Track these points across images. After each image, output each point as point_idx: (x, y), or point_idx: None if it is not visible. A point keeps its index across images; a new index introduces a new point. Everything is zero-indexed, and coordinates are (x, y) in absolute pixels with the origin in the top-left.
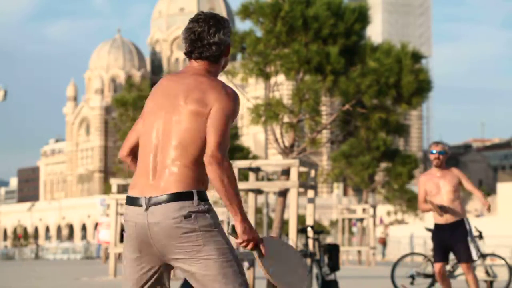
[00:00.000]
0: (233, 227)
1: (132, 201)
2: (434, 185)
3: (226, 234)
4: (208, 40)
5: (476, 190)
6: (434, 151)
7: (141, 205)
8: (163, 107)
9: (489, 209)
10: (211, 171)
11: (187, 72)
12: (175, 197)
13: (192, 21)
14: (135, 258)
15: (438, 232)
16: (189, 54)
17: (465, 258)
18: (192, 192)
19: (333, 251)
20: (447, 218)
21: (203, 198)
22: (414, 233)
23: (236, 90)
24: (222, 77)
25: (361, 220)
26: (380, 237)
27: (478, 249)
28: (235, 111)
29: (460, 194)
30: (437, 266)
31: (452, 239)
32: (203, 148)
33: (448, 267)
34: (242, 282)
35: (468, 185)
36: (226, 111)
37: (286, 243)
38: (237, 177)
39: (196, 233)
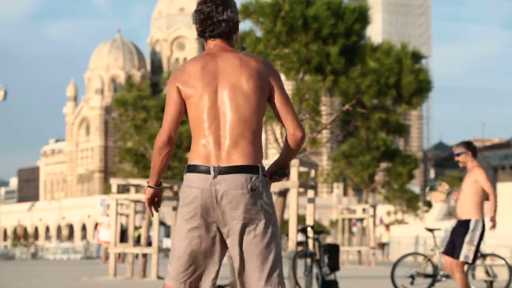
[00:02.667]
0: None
1: (199, 169)
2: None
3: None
4: (217, 18)
5: (492, 197)
6: (455, 153)
7: (209, 173)
8: (214, 85)
9: (492, 228)
10: (297, 146)
11: (213, 52)
12: (243, 169)
13: (200, 3)
14: (194, 228)
15: (454, 227)
16: (201, 34)
17: (456, 254)
18: (258, 167)
19: (333, 251)
20: (460, 216)
21: (264, 173)
22: (415, 234)
23: None
24: None
25: (361, 220)
26: (378, 242)
27: (473, 253)
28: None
29: (479, 197)
30: (443, 258)
31: (454, 235)
32: (261, 122)
33: None
34: (279, 272)
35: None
36: (283, 88)
37: None
38: None
39: (257, 208)
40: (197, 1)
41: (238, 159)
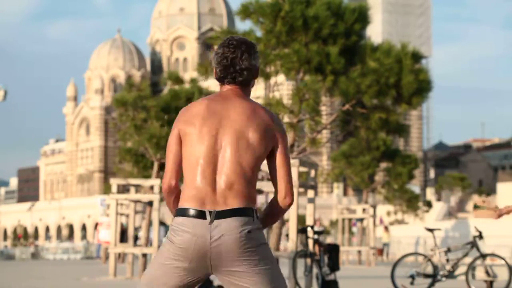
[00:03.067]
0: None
1: (193, 213)
2: None
3: None
4: (240, 66)
5: None
6: None
7: (204, 218)
8: (216, 127)
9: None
10: (283, 212)
11: (226, 95)
12: (239, 212)
13: (223, 46)
14: (181, 268)
15: None
16: (221, 80)
17: None
18: (252, 209)
19: (333, 251)
20: None
21: (257, 215)
22: (415, 234)
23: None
24: None
25: (361, 220)
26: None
27: None
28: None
29: None
30: None
31: None
32: (257, 170)
33: (448, 267)
34: None
35: None
36: (287, 148)
37: None
38: None
39: (254, 249)
40: (220, 43)
41: (234, 203)
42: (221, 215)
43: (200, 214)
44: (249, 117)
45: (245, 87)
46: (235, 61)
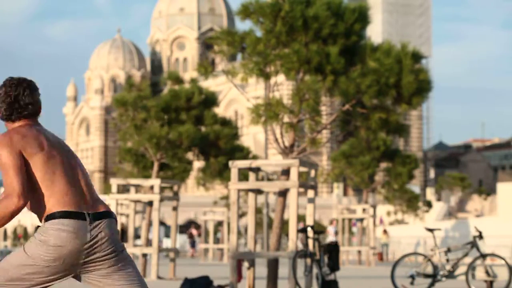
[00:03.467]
0: None
1: (73, 215)
2: None
3: None
4: (24, 101)
5: None
6: None
7: (85, 219)
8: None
9: None
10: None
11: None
12: (109, 214)
13: (5, 86)
14: (57, 267)
15: None
16: (9, 117)
17: None
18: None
19: (333, 251)
20: None
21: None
22: (415, 234)
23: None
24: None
25: (361, 220)
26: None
27: None
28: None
29: None
30: None
31: None
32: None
33: (448, 267)
34: None
35: None
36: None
37: None
38: (237, 177)
39: (120, 245)
40: (1, 84)
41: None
42: (98, 216)
43: (81, 216)
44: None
45: (33, 121)
46: (18, 97)
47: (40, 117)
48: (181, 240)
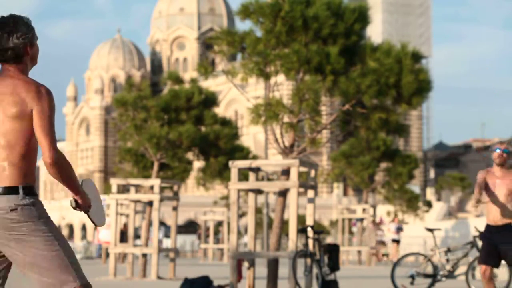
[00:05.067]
0: (75, 200)
1: None
2: (491, 184)
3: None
4: (3, 46)
5: None
6: (498, 149)
7: None
8: None
9: None
10: (52, 174)
11: (2, 75)
12: (4, 191)
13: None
14: None
15: (486, 233)
16: None
17: None
18: (18, 187)
19: (333, 251)
20: (495, 220)
21: (28, 192)
22: (414, 234)
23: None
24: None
25: (361, 220)
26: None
27: None
28: (53, 107)
29: None
30: (481, 268)
31: (501, 242)
32: (29, 146)
33: (448, 267)
34: (69, 276)
35: None
36: (47, 110)
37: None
38: (237, 177)
39: (20, 224)
40: None
41: (1, 182)
42: None
43: None
44: (6, 95)
45: (18, 64)
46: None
47: (33, 54)
48: (181, 240)
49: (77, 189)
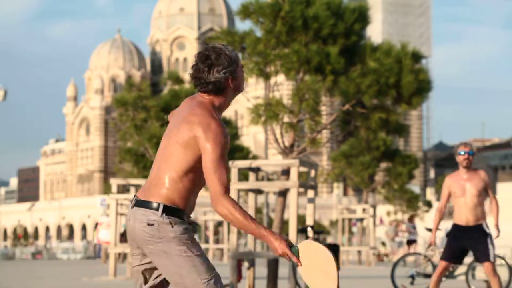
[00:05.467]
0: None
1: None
2: (460, 187)
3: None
4: (205, 79)
5: (495, 203)
6: (463, 152)
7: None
8: (169, 127)
9: (497, 237)
10: (220, 213)
11: (193, 98)
12: (145, 204)
13: (197, 54)
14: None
15: (456, 232)
16: (195, 86)
17: (486, 257)
18: (159, 204)
19: (333, 251)
20: (468, 221)
21: (169, 212)
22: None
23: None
24: None
25: (361, 220)
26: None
27: (494, 254)
28: (226, 144)
29: (484, 198)
30: (442, 263)
31: (472, 241)
32: (183, 174)
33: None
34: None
35: (490, 193)
36: (213, 147)
37: (316, 244)
38: (237, 177)
39: (154, 239)
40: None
41: (150, 196)
42: (135, 203)
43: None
44: (184, 118)
45: (216, 96)
46: (200, 75)
47: (237, 84)
48: None
49: (260, 234)
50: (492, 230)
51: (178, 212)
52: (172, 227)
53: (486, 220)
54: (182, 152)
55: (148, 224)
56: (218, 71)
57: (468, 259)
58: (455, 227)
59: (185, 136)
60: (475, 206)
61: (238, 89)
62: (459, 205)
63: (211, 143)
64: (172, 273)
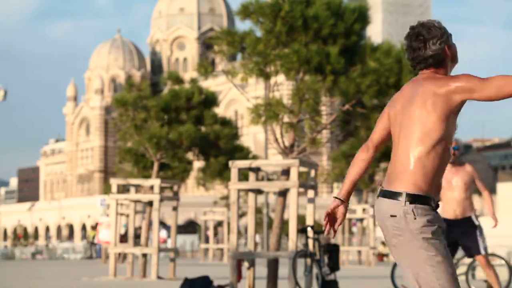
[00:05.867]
0: None
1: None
2: (446, 181)
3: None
4: (423, 56)
5: (487, 193)
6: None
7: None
8: (399, 108)
9: (495, 226)
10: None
11: (417, 78)
12: (390, 194)
13: (407, 36)
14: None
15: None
16: (414, 67)
17: (476, 250)
18: (407, 193)
19: (333, 251)
20: (456, 214)
21: (412, 200)
22: None
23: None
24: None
25: (361, 220)
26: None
27: (485, 246)
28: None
29: (472, 191)
30: None
31: (461, 234)
32: (436, 147)
33: None
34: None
35: (479, 185)
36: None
37: None
38: (237, 177)
39: (398, 232)
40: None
41: (395, 185)
42: (380, 194)
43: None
44: (421, 93)
45: (437, 68)
46: (417, 53)
47: (452, 53)
48: (181, 240)
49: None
50: (489, 223)
51: (422, 198)
52: (415, 218)
53: (475, 212)
54: (435, 120)
55: (391, 216)
56: (434, 43)
57: (468, 259)
58: (444, 221)
59: (438, 99)
60: (462, 200)
61: (455, 58)
62: (447, 199)
63: (469, 77)
64: (416, 270)
